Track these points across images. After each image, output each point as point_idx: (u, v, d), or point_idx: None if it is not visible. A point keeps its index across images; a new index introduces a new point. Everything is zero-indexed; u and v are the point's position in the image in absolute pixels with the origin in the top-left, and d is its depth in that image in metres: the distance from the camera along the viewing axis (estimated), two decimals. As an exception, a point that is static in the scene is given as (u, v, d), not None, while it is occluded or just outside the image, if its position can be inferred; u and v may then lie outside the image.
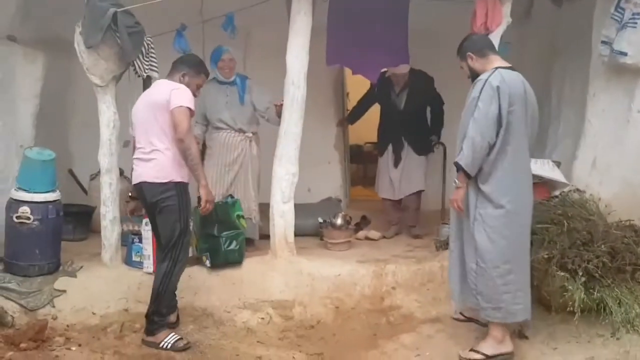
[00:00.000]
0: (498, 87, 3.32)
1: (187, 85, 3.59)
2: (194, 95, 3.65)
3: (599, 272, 3.52)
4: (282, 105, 4.34)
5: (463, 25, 4.43)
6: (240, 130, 4.65)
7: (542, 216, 4.06)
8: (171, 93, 3.45)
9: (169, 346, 3.51)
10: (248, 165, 4.67)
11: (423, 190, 5.39)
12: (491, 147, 3.34)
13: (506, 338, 3.48)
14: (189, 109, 3.45)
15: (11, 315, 3.69)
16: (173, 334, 3.58)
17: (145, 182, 3.54)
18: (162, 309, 3.58)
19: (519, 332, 3.68)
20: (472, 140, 3.34)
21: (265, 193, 4.48)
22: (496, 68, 3.44)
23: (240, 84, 4.67)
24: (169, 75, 3.66)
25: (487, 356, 3.44)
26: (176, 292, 3.80)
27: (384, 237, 5.24)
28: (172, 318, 3.80)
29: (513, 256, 3.40)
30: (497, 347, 3.45)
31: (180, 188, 3.51)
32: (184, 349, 3.52)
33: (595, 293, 3.50)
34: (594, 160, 4.41)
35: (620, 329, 3.46)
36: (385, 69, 5.23)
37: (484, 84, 3.37)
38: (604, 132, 4.39)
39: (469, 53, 3.58)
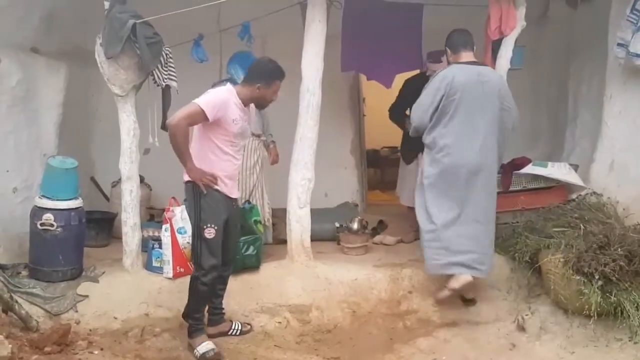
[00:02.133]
0: (441, 80, 3.97)
1: (261, 96, 3.56)
2: (272, 100, 3.64)
3: (616, 276, 3.51)
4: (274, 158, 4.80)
5: (478, 30, 4.45)
6: (258, 136, 4.76)
7: (559, 220, 4.07)
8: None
9: (199, 355, 3.54)
10: (262, 170, 4.79)
11: None
12: (430, 126, 4.00)
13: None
14: (199, 107, 3.34)
15: (36, 320, 3.77)
16: (208, 342, 3.59)
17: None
18: (193, 313, 3.62)
19: (462, 298, 4.04)
20: (412, 121, 4.12)
21: (282, 198, 4.53)
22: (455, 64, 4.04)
23: None
24: (245, 82, 3.58)
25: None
26: (220, 305, 3.86)
27: (401, 241, 5.24)
28: (224, 328, 3.85)
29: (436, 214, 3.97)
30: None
31: (197, 190, 3.47)
32: (214, 359, 3.53)
33: (612, 297, 3.49)
34: (611, 162, 4.39)
35: (638, 333, 3.43)
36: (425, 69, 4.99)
37: (434, 77, 4.06)
38: (621, 135, 4.37)
39: (446, 47, 4.16)
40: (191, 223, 3.61)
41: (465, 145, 3.94)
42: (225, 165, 3.56)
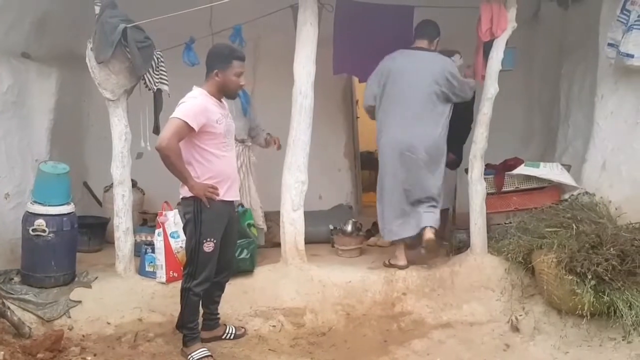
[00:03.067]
0: (380, 65, 4.43)
1: (223, 83, 3.44)
2: (238, 85, 3.50)
3: (609, 275, 3.51)
4: (278, 144, 4.70)
5: (469, 31, 4.47)
6: (242, 141, 4.71)
7: (552, 220, 4.09)
8: (177, 106, 3.38)
9: None
10: (249, 174, 4.76)
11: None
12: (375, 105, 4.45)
13: (400, 255, 4.45)
14: (182, 120, 3.27)
15: (28, 326, 3.75)
16: (203, 349, 3.56)
17: (180, 197, 3.55)
18: (187, 324, 3.57)
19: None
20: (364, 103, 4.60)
21: (276, 201, 4.53)
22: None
23: (243, 96, 4.65)
24: (206, 76, 3.49)
25: (388, 264, 4.48)
26: (216, 311, 3.84)
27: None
28: (218, 332, 3.83)
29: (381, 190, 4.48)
30: (393, 260, 4.47)
31: (199, 204, 3.42)
32: None
33: (605, 296, 3.49)
34: (603, 162, 4.40)
35: (631, 332, 3.44)
36: None
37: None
38: (613, 135, 4.39)
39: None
40: (187, 235, 3.55)
41: (395, 125, 4.33)
42: (223, 167, 3.52)
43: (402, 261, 4.41)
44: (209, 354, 3.56)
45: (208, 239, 3.45)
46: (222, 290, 3.83)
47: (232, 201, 3.66)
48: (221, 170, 3.50)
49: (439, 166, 4.40)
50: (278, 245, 4.56)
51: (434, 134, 4.32)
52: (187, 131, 3.32)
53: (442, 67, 4.34)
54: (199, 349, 3.55)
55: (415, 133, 4.28)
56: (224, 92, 3.55)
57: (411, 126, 4.28)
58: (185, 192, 3.47)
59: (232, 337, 3.85)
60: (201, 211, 3.43)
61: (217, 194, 3.44)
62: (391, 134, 4.35)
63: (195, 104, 3.36)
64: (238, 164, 4.59)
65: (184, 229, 3.59)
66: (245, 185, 4.74)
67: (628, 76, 4.29)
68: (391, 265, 4.43)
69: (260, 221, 4.77)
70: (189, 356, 3.54)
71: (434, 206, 4.37)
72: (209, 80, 3.49)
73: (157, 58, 4.20)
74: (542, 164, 4.61)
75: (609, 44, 4.25)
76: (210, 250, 3.47)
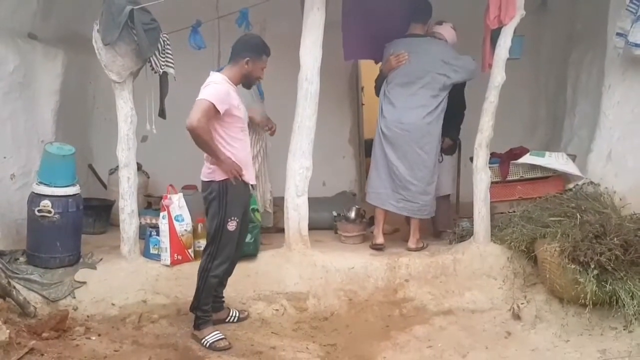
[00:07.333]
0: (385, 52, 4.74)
1: (250, 72, 3.55)
2: (259, 77, 3.67)
3: (612, 265, 3.52)
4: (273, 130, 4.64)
5: (477, 19, 4.44)
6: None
7: (556, 209, 4.09)
8: (202, 89, 3.43)
9: (207, 344, 3.52)
10: (265, 160, 4.72)
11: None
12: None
13: (377, 234, 4.69)
14: (209, 101, 3.33)
15: (34, 306, 3.78)
16: (217, 332, 3.57)
17: (201, 180, 3.60)
18: (202, 305, 3.59)
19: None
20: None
21: (281, 187, 4.53)
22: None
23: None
24: (232, 61, 3.56)
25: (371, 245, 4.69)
26: (222, 294, 3.86)
27: (398, 230, 5.25)
28: (222, 315, 3.85)
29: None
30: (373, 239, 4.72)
31: (223, 186, 3.48)
32: (223, 349, 3.49)
33: (607, 286, 3.51)
34: (609, 152, 4.40)
35: (632, 322, 3.45)
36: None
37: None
38: (619, 124, 4.39)
39: None
40: (210, 215, 3.55)
41: (393, 109, 4.56)
42: (243, 150, 3.59)
43: (379, 239, 4.61)
44: (223, 336, 3.56)
45: (232, 218, 3.52)
46: (230, 274, 3.84)
47: (249, 185, 3.70)
48: (242, 153, 3.57)
49: (425, 154, 4.55)
50: (282, 230, 4.58)
51: (419, 116, 4.52)
52: (213, 113, 3.37)
53: (447, 51, 4.53)
54: (212, 332, 3.57)
55: (414, 117, 4.51)
56: (244, 80, 3.63)
57: (411, 111, 4.51)
58: (207, 175, 3.51)
59: (235, 320, 3.88)
60: (227, 191, 3.48)
61: (242, 174, 3.52)
62: (390, 117, 4.59)
63: (220, 89, 3.42)
64: (256, 149, 4.58)
65: (207, 210, 3.59)
66: (262, 171, 4.67)
67: (636, 66, 4.28)
68: (372, 246, 4.62)
69: (268, 205, 4.79)
70: (203, 339, 3.54)
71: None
72: (235, 66, 3.55)
73: (164, 41, 4.17)
74: (547, 153, 4.60)
75: (618, 34, 4.22)
76: (233, 229, 3.53)
